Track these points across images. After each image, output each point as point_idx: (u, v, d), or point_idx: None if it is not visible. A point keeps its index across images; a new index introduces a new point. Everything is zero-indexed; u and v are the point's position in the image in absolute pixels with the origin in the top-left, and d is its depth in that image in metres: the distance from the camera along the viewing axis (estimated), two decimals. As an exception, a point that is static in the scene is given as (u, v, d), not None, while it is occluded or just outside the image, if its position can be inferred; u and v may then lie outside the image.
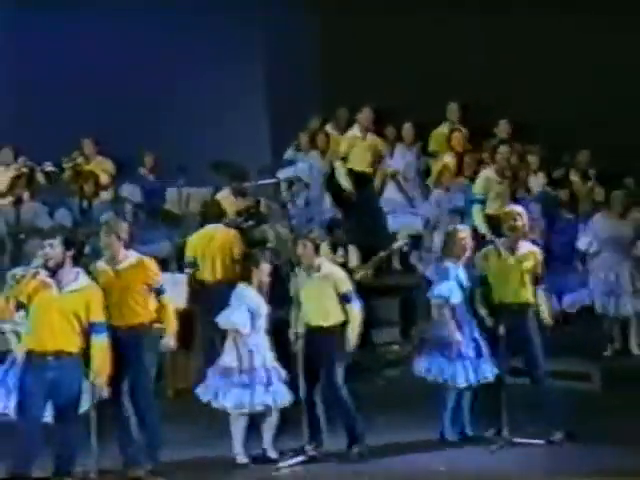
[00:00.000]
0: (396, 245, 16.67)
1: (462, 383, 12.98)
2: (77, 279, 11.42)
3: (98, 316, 11.46)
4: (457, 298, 13.17)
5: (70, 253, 11.53)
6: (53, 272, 11.37)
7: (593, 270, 16.14)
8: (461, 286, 13.25)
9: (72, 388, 11.40)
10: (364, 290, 13.92)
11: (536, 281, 13.27)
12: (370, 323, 15.25)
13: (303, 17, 19.21)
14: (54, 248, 11.38)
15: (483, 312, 13.23)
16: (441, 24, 18.30)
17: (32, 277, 11.34)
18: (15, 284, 11.58)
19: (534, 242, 14.03)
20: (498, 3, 18.17)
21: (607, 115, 17.32)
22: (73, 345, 11.33)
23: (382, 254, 16.11)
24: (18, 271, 11.73)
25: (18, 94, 18.50)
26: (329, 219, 17.22)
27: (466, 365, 13.02)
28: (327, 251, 15.16)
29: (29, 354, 11.36)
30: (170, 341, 12.65)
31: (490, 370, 13.03)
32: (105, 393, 11.77)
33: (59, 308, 11.29)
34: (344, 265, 14.96)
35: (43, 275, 11.37)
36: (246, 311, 12.75)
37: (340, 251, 15.80)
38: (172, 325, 12.69)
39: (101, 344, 11.47)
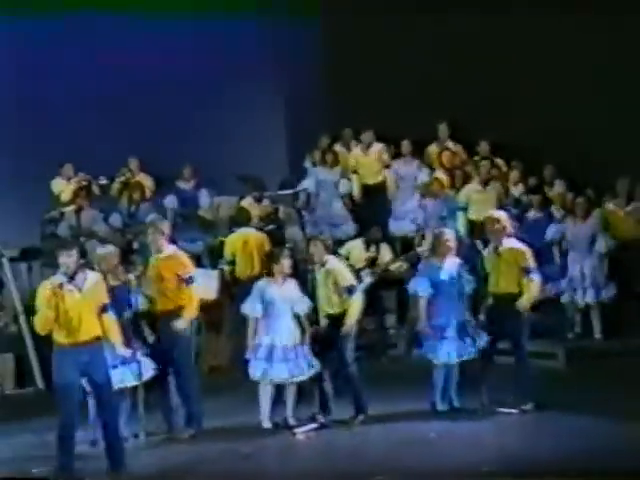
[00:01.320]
0: (420, 249, 16.42)
1: (443, 360, 13.08)
2: (88, 277, 11.36)
3: (105, 298, 11.41)
4: (426, 292, 13.25)
5: (83, 261, 11.52)
6: (71, 277, 11.23)
7: (567, 265, 16.26)
8: (443, 281, 13.26)
9: (103, 367, 11.42)
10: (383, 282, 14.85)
11: (527, 271, 13.20)
12: (375, 308, 15.72)
13: (317, 52, 19.05)
14: (71, 257, 11.26)
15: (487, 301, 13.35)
16: (431, 62, 18.08)
17: (59, 288, 11.15)
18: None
19: (521, 240, 13.96)
20: (482, 38, 17.89)
21: (574, 136, 16.94)
22: (98, 331, 11.30)
23: (413, 252, 16.12)
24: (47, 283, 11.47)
25: (75, 116, 18.08)
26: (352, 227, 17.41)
27: (447, 345, 13.09)
28: (361, 248, 15.71)
29: (62, 346, 11.21)
30: (181, 324, 12.63)
31: (471, 349, 13.13)
32: (127, 354, 11.83)
33: (82, 303, 11.17)
34: (375, 260, 15.40)
35: (66, 283, 11.20)
36: (258, 302, 12.86)
37: (372, 248, 15.70)
38: (190, 312, 12.72)
39: (113, 319, 11.47)
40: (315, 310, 12.97)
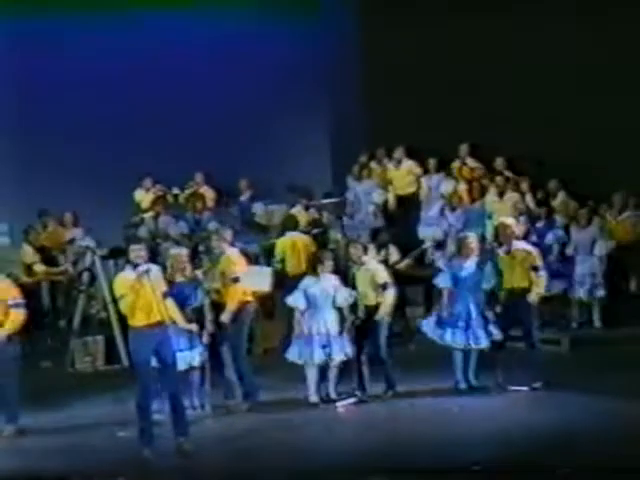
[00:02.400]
0: (425, 245, 16.88)
1: (465, 345, 13.16)
2: (153, 269, 11.37)
3: (164, 286, 11.45)
4: (447, 284, 13.33)
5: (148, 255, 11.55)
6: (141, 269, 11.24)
7: (567, 266, 16.21)
8: (464, 277, 13.30)
9: (171, 346, 11.50)
10: (401, 279, 14.32)
11: (535, 269, 13.25)
12: (404, 303, 15.70)
13: (358, 84, 19.01)
14: (142, 251, 11.34)
15: (502, 295, 13.35)
16: (454, 93, 17.96)
17: (137, 277, 11.15)
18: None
19: (533, 243, 14.16)
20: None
21: (576, 154, 16.91)
22: (165, 315, 11.32)
23: (416, 251, 16.23)
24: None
25: (152, 134, 18.41)
26: (373, 228, 17.24)
27: (469, 333, 13.16)
28: (374, 251, 15.29)
29: (139, 328, 11.28)
30: (225, 317, 12.71)
31: (485, 338, 13.14)
32: (193, 327, 12.01)
33: (151, 291, 11.20)
34: (386, 261, 15.03)
35: (141, 274, 11.19)
36: (302, 296, 12.94)
37: (383, 251, 15.55)
38: (231, 306, 12.73)
39: (172, 302, 11.51)
40: (354, 302, 12.99)
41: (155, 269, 11.48)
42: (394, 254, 15.77)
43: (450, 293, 13.38)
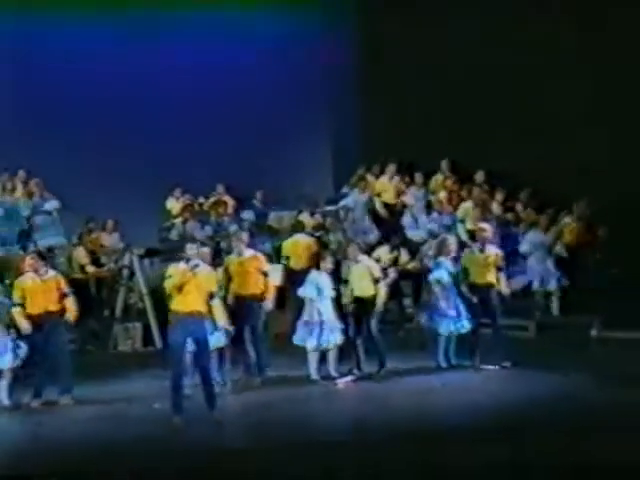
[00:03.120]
0: (425, 250, 16.34)
1: (446, 332, 13.30)
2: (202, 267, 11.28)
3: (214, 287, 11.41)
4: (444, 280, 13.39)
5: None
6: (192, 264, 11.13)
7: (530, 263, 16.08)
8: (449, 273, 13.41)
9: (204, 331, 11.35)
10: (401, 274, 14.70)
11: (499, 269, 13.39)
12: (396, 294, 15.59)
13: (356, 106, 18.94)
14: (193, 250, 11.26)
15: (465, 289, 13.30)
16: (436, 117, 17.85)
17: (186, 269, 11.09)
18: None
19: (498, 246, 14.10)
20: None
21: (541, 171, 16.67)
22: (203, 307, 11.22)
23: (422, 254, 16.11)
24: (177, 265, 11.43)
25: (180, 148, 18.17)
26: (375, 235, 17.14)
27: (449, 321, 13.29)
28: (387, 251, 15.37)
29: (178, 314, 11.17)
30: (269, 304, 12.93)
31: (466, 325, 13.27)
32: (231, 329, 11.84)
33: (195, 285, 11.12)
34: (396, 259, 15.20)
35: (189, 267, 11.09)
36: (314, 287, 12.92)
37: (395, 251, 15.53)
38: (270, 295, 12.92)
39: (218, 305, 11.48)
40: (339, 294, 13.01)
41: (205, 268, 11.45)
42: (404, 255, 15.73)
43: (439, 288, 13.44)
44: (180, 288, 11.09)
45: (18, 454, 10.48)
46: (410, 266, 15.75)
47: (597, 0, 16.29)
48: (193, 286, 11.12)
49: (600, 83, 16.23)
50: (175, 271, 11.20)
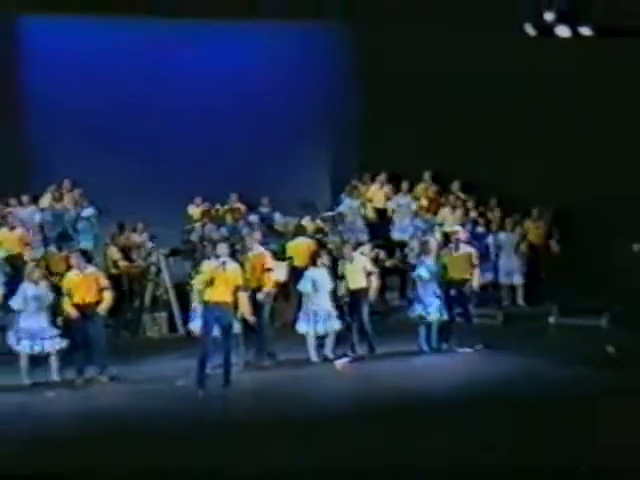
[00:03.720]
0: (407, 250, 16.28)
1: (428, 320, 13.27)
2: (230, 264, 11.44)
3: (240, 281, 11.51)
4: (425, 276, 13.36)
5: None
6: (222, 261, 11.37)
7: (499, 261, 16.08)
8: (429, 270, 13.37)
9: (229, 319, 11.48)
10: (383, 270, 14.39)
11: (473, 266, 13.41)
12: (384, 288, 15.45)
13: (351, 122, 18.39)
14: (223, 249, 11.51)
15: (443, 283, 13.35)
16: (421, 134, 17.20)
17: (216, 265, 11.29)
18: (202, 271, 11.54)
19: (471, 245, 14.05)
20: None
21: (507, 181, 16.43)
22: (229, 298, 11.37)
23: (401, 253, 16.13)
24: (207, 262, 11.68)
25: (201, 164, 17.44)
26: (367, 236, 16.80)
27: (431, 310, 13.26)
28: (369, 250, 15.00)
29: (208, 303, 11.37)
30: (262, 295, 12.64)
31: (445, 314, 13.27)
32: (252, 320, 11.94)
33: (224, 279, 11.29)
34: (377, 258, 14.93)
35: (219, 264, 11.35)
36: (309, 282, 12.86)
37: (375, 250, 15.41)
38: (267, 287, 12.71)
39: (244, 297, 11.64)
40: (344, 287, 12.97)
41: (233, 264, 11.51)
42: (382, 254, 15.69)
43: (421, 282, 13.41)
44: (211, 282, 11.26)
45: (63, 419, 10.69)
46: (388, 263, 15.59)
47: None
48: (222, 280, 11.27)
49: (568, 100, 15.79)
50: (207, 267, 11.37)
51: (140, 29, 17.75)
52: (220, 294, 11.29)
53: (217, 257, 11.42)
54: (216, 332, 11.41)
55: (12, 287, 12.96)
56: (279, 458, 8.61)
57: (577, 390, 10.64)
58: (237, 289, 11.45)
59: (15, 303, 12.30)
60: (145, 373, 12.77)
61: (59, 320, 12.34)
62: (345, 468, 8.31)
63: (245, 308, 11.65)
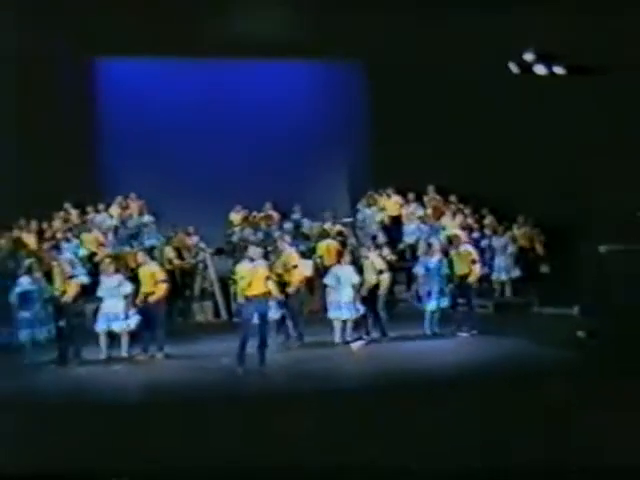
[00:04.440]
0: (401, 247, 16.32)
1: (431, 309, 13.31)
2: (260, 262, 11.54)
3: (267, 273, 11.52)
4: (422, 272, 13.41)
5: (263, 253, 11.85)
6: (254, 260, 11.48)
7: (492, 260, 15.95)
8: (427, 267, 13.31)
9: (265, 309, 11.53)
10: (392, 268, 14.19)
11: (474, 262, 13.28)
12: (393, 283, 15.06)
13: (367, 140, 18.29)
14: (257, 250, 11.65)
15: (447, 277, 13.31)
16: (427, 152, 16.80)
17: (250, 265, 11.38)
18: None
19: (472, 245, 14.01)
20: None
21: (498, 192, 16.26)
22: (263, 289, 11.40)
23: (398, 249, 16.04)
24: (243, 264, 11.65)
25: (240, 176, 17.32)
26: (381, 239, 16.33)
27: (433, 301, 13.29)
28: (387, 252, 14.77)
29: (247, 297, 11.39)
30: (290, 290, 12.61)
31: (446, 303, 13.27)
32: (281, 299, 12.02)
33: (257, 276, 11.38)
34: (385, 257, 14.50)
35: (252, 263, 11.42)
36: (334, 278, 12.85)
37: (385, 250, 14.91)
38: (294, 283, 12.69)
39: (272, 284, 11.62)
40: (361, 282, 12.95)
41: (262, 263, 11.59)
42: (386, 251, 15.42)
43: (423, 277, 13.46)
44: (247, 280, 11.37)
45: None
46: (391, 259, 15.08)
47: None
48: (255, 277, 11.41)
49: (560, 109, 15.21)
50: (241, 269, 11.48)
51: (196, 66, 17.85)
52: (255, 288, 11.37)
53: (250, 259, 11.45)
54: (255, 319, 11.43)
55: (92, 279, 13.12)
56: (298, 423, 8.60)
57: (554, 366, 10.72)
58: (267, 279, 11.53)
59: (98, 292, 12.49)
60: (194, 352, 12.81)
61: (129, 306, 12.44)
62: (354, 432, 8.32)
63: (275, 292, 11.72)
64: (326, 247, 15.10)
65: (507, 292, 16.14)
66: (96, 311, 12.62)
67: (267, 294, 11.43)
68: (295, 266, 12.78)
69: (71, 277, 12.33)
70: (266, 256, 12.66)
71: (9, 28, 15.11)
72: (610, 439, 7.55)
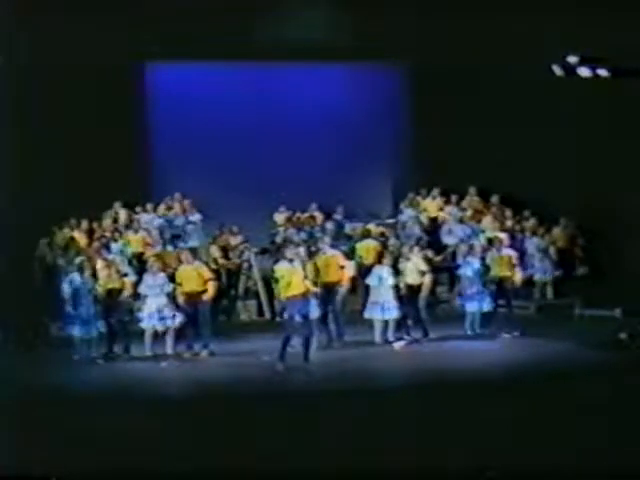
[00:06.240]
0: (449, 250, 16.26)
1: (473, 310, 13.22)
2: (298, 262, 11.54)
3: (304, 273, 11.52)
4: (468, 274, 13.31)
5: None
6: (292, 260, 11.40)
7: (532, 261, 15.68)
8: (473, 269, 13.25)
9: (307, 308, 11.50)
10: (434, 269, 14.19)
11: (514, 265, 13.29)
12: (435, 283, 14.90)
13: (408, 148, 18.21)
14: (296, 251, 11.81)
15: (489, 280, 13.25)
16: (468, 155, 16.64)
17: (289, 266, 11.36)
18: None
19: (514, 248, 13.96)
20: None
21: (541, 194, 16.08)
22: (303, 288, 11.36)
23: (444, 253, 16.05)
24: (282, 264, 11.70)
25: (285, 179, 17.27)
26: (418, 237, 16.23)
27: (475, 302, 13.22)
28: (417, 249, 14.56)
29: (288, 297, 11.42)
30: (343, 289, 12.78)
31: (488, 305, 13.18)
32: (314, 290, 11.69)
33: (296, 276, 11.33)
34: (429, 257, 14.55)
35: (290, 264, 11.42)
36: (376, 277, 12.75)
37: (423, 251, 14.72)
38: (345, 282, 12.76)
39: (309, 282, 11.50)
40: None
41: (299, 263, 11.61)
42: (429, 253, 15.35)
43: (467, 279, 13.34)
44: (287, 281, 11.42)
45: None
46: (436, 260, 15.08)
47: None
48: (295, 277, 11.43)
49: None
50: (280, 270, 11.54)
51: (244, 69, 17.91)
52: (296, 288, 11.37)
53: (289, 260, 11.44)
54: (297, 318, 11.39)
55: (140, 278, 13.17)
56: (337, 415, 8.77)
57: (596, 368, 10.67)
58: (305, 279, 11.55)
59: (141, 290, 12.58)
60: (238, 349, 12.86)
61: (174, 304, 12.49)
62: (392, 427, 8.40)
63: (310, 288, 11.60)
64: (365, 247, 14.98)
65: (549, 294, 15.98)
66: (139, 309, 12.72)
67: (306, 293, 11.38)
68: (342, 267, 12.71)
69: (124, 275, 12.52)
70: (310, 256, 12.63)
71: (60, 33, 15.41)
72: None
